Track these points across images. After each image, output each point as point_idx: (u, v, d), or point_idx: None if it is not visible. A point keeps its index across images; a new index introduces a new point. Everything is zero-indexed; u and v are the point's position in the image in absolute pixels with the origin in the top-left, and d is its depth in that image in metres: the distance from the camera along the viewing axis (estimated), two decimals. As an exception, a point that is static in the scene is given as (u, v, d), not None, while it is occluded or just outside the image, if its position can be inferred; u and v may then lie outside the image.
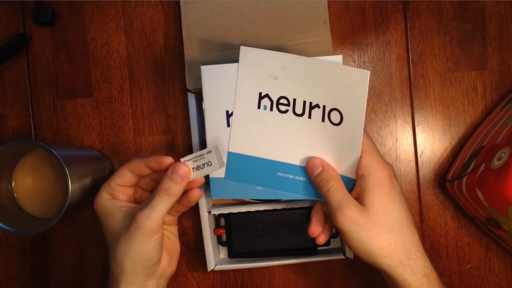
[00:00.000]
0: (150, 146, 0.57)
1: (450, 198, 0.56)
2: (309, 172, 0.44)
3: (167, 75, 0.57)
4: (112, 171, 0.57)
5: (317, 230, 0.46)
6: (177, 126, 0.57)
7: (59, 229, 0.58)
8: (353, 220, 0.40)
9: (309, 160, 0.44)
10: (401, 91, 0.56)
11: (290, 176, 0.46)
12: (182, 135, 0.57)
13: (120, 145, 0.57)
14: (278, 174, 0.46)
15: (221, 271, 0.57)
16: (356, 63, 0.57)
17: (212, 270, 0.53)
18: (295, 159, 0.45)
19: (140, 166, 0.44)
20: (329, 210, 0.42)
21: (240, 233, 0.54)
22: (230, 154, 0.46)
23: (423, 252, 0.42)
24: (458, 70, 0.56)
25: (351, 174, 0.44)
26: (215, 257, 0.54)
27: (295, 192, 0.46)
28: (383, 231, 0.41)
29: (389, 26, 0.56)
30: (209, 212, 0.53)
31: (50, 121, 0.58)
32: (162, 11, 0.57)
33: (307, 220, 0.54)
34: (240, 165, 0.46)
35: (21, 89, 0.58)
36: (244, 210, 0.53)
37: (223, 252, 0.57)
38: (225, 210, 0.53)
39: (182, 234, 0.57)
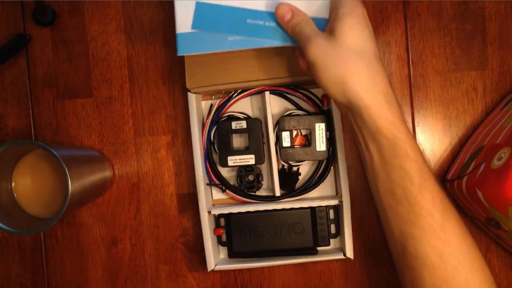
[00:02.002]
0: (150, 146, 0.57)
1: (450, 198, 0.56)
2: (279, 19, 0.43)
3: (167, 75, 0.57)
4: (112, 172, 0.57)
5: (304, 62, 0.44)
6: (177, 126, 0.57)
7: (59, 229, 0.58)
8: (321, 47, 0.39)
9: (277, 7, 0.43)
10: (401, 91, 0.56)
11: (260, 23, 0.44)
12: (182, 135, 0.57)
13: (120, 145, 0.57)
14: (248, 21, 0.44)
15: (221, 271, 0.57)
16: (356, 63, 0.57)
17: (212, 270, 0.53)
18: (264, 5, 0.44)
19: None
20: (301, 50, 0.42)
21: (240, 233, 0.54)
22: (198, 4, 0.44)
23: (393, 96, 0.40)
24: (458, 70, 0.56)
25: (323, 14, 0.43)
26: (215, 257, 0.54)
27: (268, 38, 0.44)
28: (350, 55, 0.39)
29: (389, 26, 0.56)
30: (209, 212, 0.53)
31: (50, 121, 0.58)
32: (162, 11, 0.57)
33: (307, 220, 0.54)
34: (208, 15, 0.44)
35: (21, 89, 0.58)
36: (244, 210, 0.53)
37: (223, 252, 0.57)
38: (225, 210, 0.53)
39: (182, 234, 0.57)
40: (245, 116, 0.55)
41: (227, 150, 0.50)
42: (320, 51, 0.39)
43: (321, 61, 0.39)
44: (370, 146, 0.40)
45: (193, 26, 0.44)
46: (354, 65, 0.39)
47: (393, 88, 0.56)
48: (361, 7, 0.41)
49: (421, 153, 0.40)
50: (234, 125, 0.52)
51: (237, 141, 0.56)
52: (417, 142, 0.39)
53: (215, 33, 0.44)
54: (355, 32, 0.40)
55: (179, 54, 0.45)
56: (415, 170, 0.39)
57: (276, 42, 0.44)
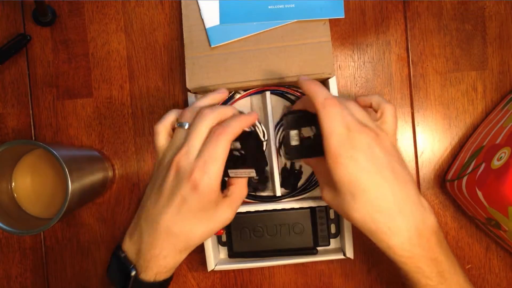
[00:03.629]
0: (150, 146, 0.57)
1: (450, 198, 0.56)
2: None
3: (167, 75, 0.57)
4: (112, 172, 0.57)
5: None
6: (177, 126, 0.57)
7: (59, 229, 0.58)
8: (327, 201, 0.43)
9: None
10: (401, 91, 0.56)
11: (281, 6, 0.50)
12: (182, 135, 0.57)
13: (120, 145, 0.57)
14: (269, 7, 0.49)
15: (221, 271, 0.57)
16: (356, 63, 0.57)
17: (212, 270, 0.53)
18: None
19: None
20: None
21: (240, 233, 0.54)
22: (221, 2, 0.51)
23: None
24: (458, 70, 0.56)
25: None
26: (215, 257, 0.54)
27: (288, 18, 0.48)
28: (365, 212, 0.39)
29: (389, 26, 0.56)
30: (209, 212, 0.53)
31: (50, 121, 0.58)
32: (162, 11, 0.57)
33: (307, 220, 0.54)
34: (232, 8, 0.50)
35: (21, 89, 0.58)
36: (244, 210, 0.53)
37: (223, 252, 0.57)
38: (225, 210, 0.53)
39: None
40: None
41: (226, 163, 0.45)
42: (327, 202, 0.43)
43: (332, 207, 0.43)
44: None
45: (221, 21, 0.51)
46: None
47: (393, 88, 0.56)
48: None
49: (438, 275, 0.40)
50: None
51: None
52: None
53: (238, 22, 0.47)
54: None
55: (212, 45, 0.51)
56: None
57: (298, 18, 0.50)
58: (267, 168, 0.55)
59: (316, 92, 0.40)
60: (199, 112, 0.41)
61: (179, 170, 0.39)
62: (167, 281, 0.43)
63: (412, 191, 0.40)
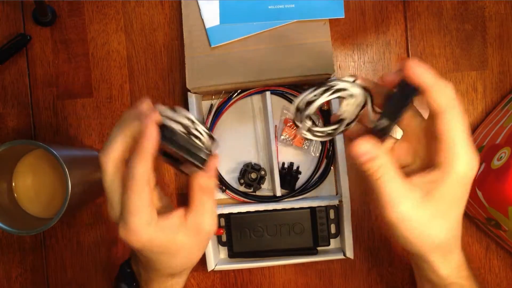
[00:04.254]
0: (150, 146, 0.57)
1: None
2: (354, 157, 0.36)
3: (167, 75, 0.57)
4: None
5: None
6: (177, 126, 0.57)
7: (59, 229, 0.58)
8: (405, 219, 0.35)
9: (354, 144, 0.35)
10: (401, 91, 0.56)
11: (281, 6, 0.50)
12: (182, 135, 0.57)
13: (120, 145, 0.57)
14: (270, 7, 0.48)
15: (221, 271, 0.57)
16: (356, 63, 0.57)
17: (212, 270, 0.53)
18: None
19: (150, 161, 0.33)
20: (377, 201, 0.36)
21: (240, 233, 0.54)
22: (221, 2, 0.51)
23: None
24: (458, 70, 0.56)
25: None
26: (215, 257, 0.54)
27: (288, 18, 0.47)
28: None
29: (389, 26, 0.56)
30: (209, 212, 0.53)
31: (50, 121, 0.58)
32: (162, 11, 0.57)
33: (307, 220, 0.54)
34: (233, 8, 0.50)
35: (21, 89, 0.58)
36: (244, 210, 0.53)
37: (223, 252, 0.57)
38: (225, 210, 0.53)
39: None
40: None
41: (172, 158, 0.39)
42: (401, 220, 0.35)
43: (399, 225, 0.36)
44: None
45: (221, 21, 0.51)
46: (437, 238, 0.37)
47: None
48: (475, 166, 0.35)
49: None
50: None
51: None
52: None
53: (238, 22, 0.47)
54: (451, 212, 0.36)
55: (212, 45, 0.51)
56: None
57: (298, 18, 0.49)
58: (265, 166, 0.55)
59: (442, 85, 0.34)
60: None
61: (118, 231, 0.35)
62: None
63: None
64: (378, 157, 0.35)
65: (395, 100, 0.34)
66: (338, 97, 0.36)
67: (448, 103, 0.34)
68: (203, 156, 0.36)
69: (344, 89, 0.35)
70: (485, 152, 0.48)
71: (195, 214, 0.36)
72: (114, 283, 0.43)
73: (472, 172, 0.35)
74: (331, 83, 0.35)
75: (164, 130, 0.34)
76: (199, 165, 0.36)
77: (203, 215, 0.36)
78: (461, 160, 0.34)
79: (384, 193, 0.35)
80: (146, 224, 0.33)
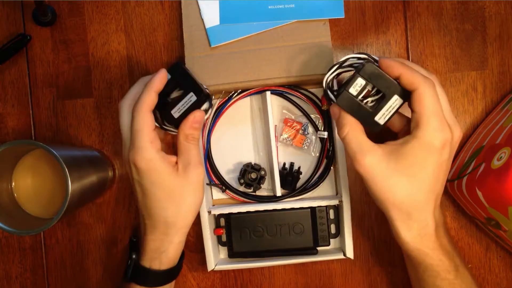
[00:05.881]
0: (150, 146, 0.57)
1: (450, 198, 0.56)
2: (332, 116, 0.44)
3: (167, 75, 0.57)
4: (112, 172, 0.57)
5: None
6: (177, 126, 0.57)
7: (59, 229, 0.58)
8: (370, 172, 0.40)
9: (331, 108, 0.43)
10: (401, 91, 0.56)
11: (281, 6, 0.50)
12: (182, 135, 0.57)
13: (120, 145, 0.57)
14: (270, 7, 0.48)
15: (221, 271, 0.57)
16: (356, 63, 0.57)
17: (212, 270, 0.53)
18: None
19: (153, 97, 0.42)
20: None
21: (240, 233, 0.54)
22: (221, 2, 0.51)
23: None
24: (458, 70, 0.56)
25: None
26: (215, 257, 0.54)
27: (288, 18, 0.48)
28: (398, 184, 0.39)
29: (389, 26, 0.56)
30: (209, 212, 0.53)
31: (50, 121, 0.58)
32: (162, 11, 0.57)
33: (307, 220, 0.54)
34: (232, 8, 0.50)
35: (21, 89, 0.58)
36: (244, 210, 0.53)
37: (223, 252, 0.56)
38: (225, 210, 0.53)
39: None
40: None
41: (166, 105, 0.44)
42: (367, 172, 0.40)
43: (368, 179, 0.40)
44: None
45: (221, 21, 0.51)
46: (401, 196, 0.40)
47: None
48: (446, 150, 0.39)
49: (453, 269, 0.42)
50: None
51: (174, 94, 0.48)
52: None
53: (238, 22, 0.47)
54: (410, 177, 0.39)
55: (212, 45, 0.51)
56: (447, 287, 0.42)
57: (298, 18, 0.50)
58: (266, 165, 0.56)
59: (417, 68, 0.41)
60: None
61: (125, 162, 0.43)
62: (168, 272, 0.45)
63: (440, 194, 0.42)
64: (345, 117, 0.41)
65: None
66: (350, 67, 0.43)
67: (420, 81, 0.38)
68: (203, 91, 0.44)
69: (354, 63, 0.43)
70: (485, 152, 0.48)
71: (183, 160, 0.43)
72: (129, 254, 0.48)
73: (438, 142, 0.38)
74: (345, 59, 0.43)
75: (177, 66, 0.43)
76: (199, 95, 0.43)
77: (190, 159, 0.43)
78: (428, 128, 0.38)
79: (350, 148, 0.41)
80: (148, 142, 0.41)
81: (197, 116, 0.43)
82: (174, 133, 0.46)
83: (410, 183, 0.39)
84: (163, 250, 0.44)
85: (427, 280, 0.43)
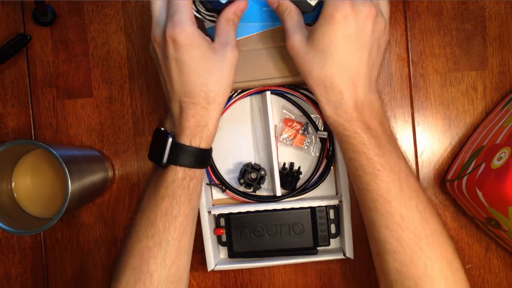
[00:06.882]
0: (150, 146, 0.57)
1: (450, 198, 0.56)
2: (270, 5, 0.46)
3: (167, 75, 0.57)
4: (112, 172, 0.57)
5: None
6: (177, 126, 0.57)
7: (59, 229, 0.58)
8: (294, 46, 0.44)
9: None
10: (401, 91, 0.56)
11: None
12: (182, 135, 0.57)
13: (120, 145, 0.57)
14: (264, 9, 0.50)
15: (221, 271, 0.57)
16: (356, 63, 0.57)
17: (212, 270, 0.53)
18: None
19: None
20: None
21: (240, 233, 0.54)
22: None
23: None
24: (458, 70, 0.56)
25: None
26: (215, 257, 0.54)
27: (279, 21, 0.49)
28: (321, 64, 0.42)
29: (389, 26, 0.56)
30: (209, 212, 0.53)
31: (50, 121, 0.58)
32: (162, 11, 0.57)
33: (307, 220, 0.54)
34: None
35: (21, 89, 0.58)
36: (244, 210, 0.53)
37: (223, 252, 0.57)
38: (225, 210, 0.53)
39: (182, 234, 0.57)
40: None
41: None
42: (293, 51, 0.44)
43: (295, 59, 0.44)
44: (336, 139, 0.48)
45: None
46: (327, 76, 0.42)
47: (393, 88, 0.56)
48: (351, 16, 0.41)
49: (374, 146, 0.42)
50: None
51: None
52: (378, 135, 0.42)
53: (240, 22, 0.48)
54: (331, 43, 0.41)
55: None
56: (366, 162, 0.42)
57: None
58: (266, 165, 0.55)
59: None
60: None
61: (157, 41, 0.42)
62: (206, 152, 0.44)
63: (374, 76, 0.44)
64: (284, 3, 0.45)
65: None
66: None
67: None
68: None
69: None
70: (485, 152, 0.48)
71: (221, 40, 0.44)
72: (150, 153, 0.45)
73: (338, 14, 0.40)
74: None
75: None
76: None
77: (228, 40, 0.44)
78: (328, 2, 0.41)
79: (286, 27, 0.45)
80: (189, 18, 0.41)
81: (242, 3, 0.45)
82: (207, 20, 0.46)
83: (321, 58, 0.42)
84: (204, 124, 0.43)
85: (345, 154, 0.44)
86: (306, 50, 0.43)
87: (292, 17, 0.45)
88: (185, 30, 0.41)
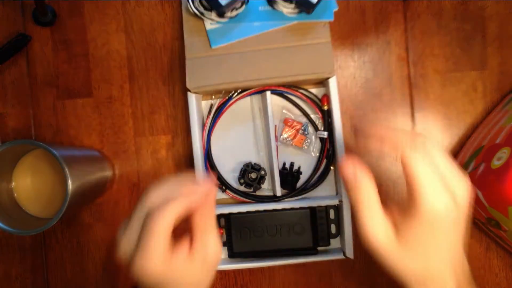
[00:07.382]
0: (150, 146, 0.57)
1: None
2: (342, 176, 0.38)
3: (167, 75, 0.57)
4: (112, 172, 0.57)
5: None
6: (177, 126, 0.57)
7: (59, 229, 0.58)
8: (377, 247, 0.36)
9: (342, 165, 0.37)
10: (401, 91, 0.56)
11: (269, 8, 0.52)
12: (182, 135, 0.57)
13: (120, 145, 0.57)
14: (260, 8, 0.51)
15: (221, 271, 0.57)
16: (356, 63, 0.57)
17: (212, 270, 0.53)
18: None
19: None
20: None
21: (240, 233, 0.54)
22: None
23: None
24: (458, 70, 0.56)
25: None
26: (215, 257, 0.54)
27: (289, 20, 0.49)
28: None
29: (389, 26, 0.56)
30: (209, 212, 0.53)
31: (50, 121, 0.58)
32: (162, 11, 0.57)
33: (307, 220, 0.54)
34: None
35: (21, 89, 0.58)
36: (244, 210, 0.53)
37: (223, 252, 0.56)
38: (225, 210, 0.53)
39: (182, 235, 0.57)
40: None
41: None
42: (372, 244, 0.36)
43: (374, 251, 0.37)
44: None
45: (219, 22, 0.51)
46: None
47: (393, 89, 0.56)
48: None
49: None
50: None
51: None
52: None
53: (238, 23, 0.47)
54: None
55: (213, 46, 0.51)
56: None
57: (298, 19, 0.50)
58: (266, 165, 0.55)
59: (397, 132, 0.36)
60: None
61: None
62: None
63: (460, 257, 0.39)
64: (362, 181, 0.36)
65: None
66: None
67: (405, 148, 0.34)
68: None
69: None
70: (485, 152, 0.48)
71: (199, 249, 0.37)
72: None
73: (438, 214, 0.34)
74: None
75: None
76: None
77: (207, 248, 0.37)
78: (423, 203, 0.34)
79: (363, 217, 0.36)
80: (161, 263, 0.34)
81: (213, 189, 0.38)
82: (207, 20, 0.45)
83: (422, 258, 0.37)
84: None
85: None
86: (394, 246, 0.36)
87: (375, 207, 0.36)
88: (157, 277, 0.34)
